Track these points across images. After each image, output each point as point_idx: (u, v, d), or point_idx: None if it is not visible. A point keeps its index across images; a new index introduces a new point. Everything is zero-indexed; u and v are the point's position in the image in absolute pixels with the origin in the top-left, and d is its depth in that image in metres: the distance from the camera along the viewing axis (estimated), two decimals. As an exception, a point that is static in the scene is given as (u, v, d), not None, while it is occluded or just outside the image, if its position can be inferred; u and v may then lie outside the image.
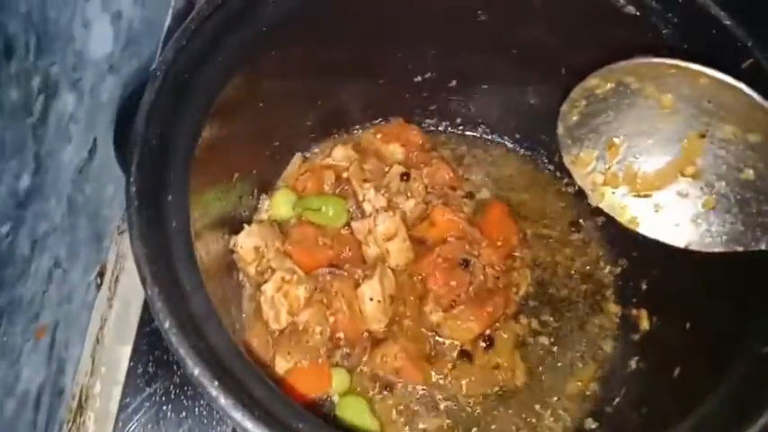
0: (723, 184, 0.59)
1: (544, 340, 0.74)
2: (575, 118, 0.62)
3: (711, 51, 0.57)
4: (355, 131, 0.82)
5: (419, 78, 0.75)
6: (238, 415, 0.47)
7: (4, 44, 0.64)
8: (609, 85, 0.59)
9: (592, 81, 0.60)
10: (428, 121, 0.81)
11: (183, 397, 0.74)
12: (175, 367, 0.75)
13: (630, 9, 0.62)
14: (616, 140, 0.62)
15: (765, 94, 0.53)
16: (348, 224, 0.77)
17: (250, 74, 0.64)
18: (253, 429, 0.47)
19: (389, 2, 0.66)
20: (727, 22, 0.58)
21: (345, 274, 0.74)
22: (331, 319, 0.71)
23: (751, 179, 0.58)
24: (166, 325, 0.49)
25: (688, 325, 0.65)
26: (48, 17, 0.70)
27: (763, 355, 0.53)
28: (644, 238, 0.63)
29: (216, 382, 0.47)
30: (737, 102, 0.55)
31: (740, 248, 0.58)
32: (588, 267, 0.77)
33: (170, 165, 0.57)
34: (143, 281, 0.51)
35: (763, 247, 0.57)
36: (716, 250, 0.59)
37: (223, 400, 0.47)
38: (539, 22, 0.66)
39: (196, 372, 0.48)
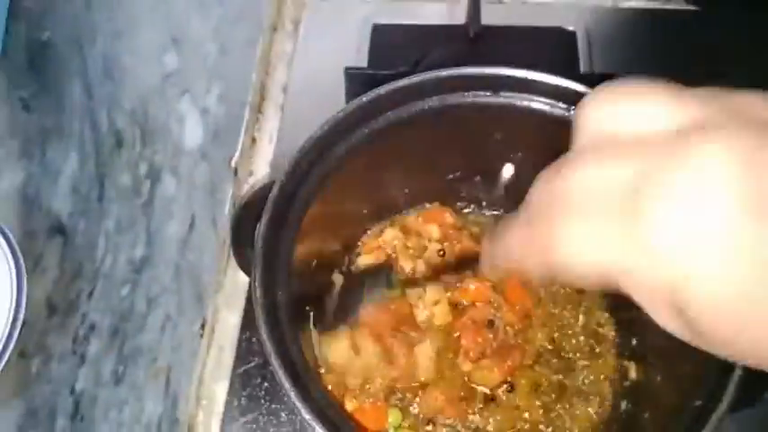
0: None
1: (555, 383, 0.79)
2: None
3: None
4: (400, 216, 0.87)
5: (451, 176, 0.82)
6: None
7: (116, 137, 0.74)
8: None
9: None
10: (459, 204, 0.86)
11: (270, 425, 0.82)
12: (263, 401, 0.83)
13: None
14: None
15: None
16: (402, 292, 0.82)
17: (335, 183, 0.71)
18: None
19: (432, 134, 0.74)
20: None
21: (404, 335, 0.79)
22: (392, 373, 0.77)
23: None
24: (287, 385, 0.59)
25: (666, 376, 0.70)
26: (148, 113, 0.78)
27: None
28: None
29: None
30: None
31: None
32: (592, 326, 0.81)
33: (278, 266, 0.66)
34: (268, 355, 0.60)
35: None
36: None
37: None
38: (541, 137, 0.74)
39: (308, 417, 0.58)
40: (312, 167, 0.69)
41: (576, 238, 0.39)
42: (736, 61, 1.00)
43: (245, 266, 0.69)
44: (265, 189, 0.67)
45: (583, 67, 1.06)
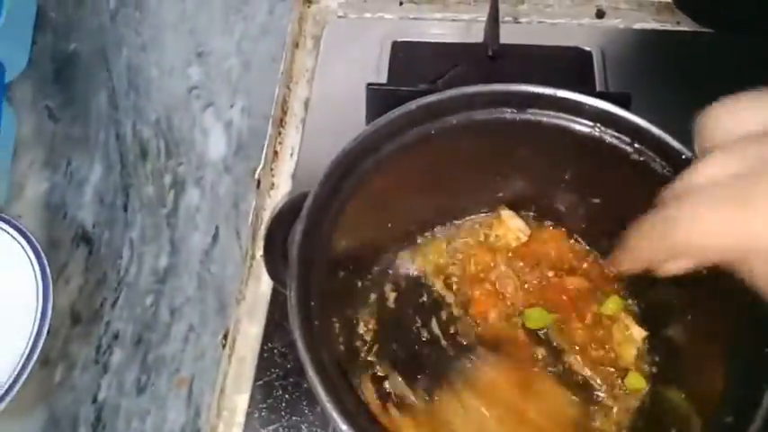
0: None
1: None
2: None
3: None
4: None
5: (476, 191, 0.82)
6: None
7: (140, 148, 0.74)
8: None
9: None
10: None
11: (292, 429, 0.79)
12: (283, 413, 0.80)
13: (635, 157, 0.68)
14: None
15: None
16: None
17: (364, 196, 0.70)
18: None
19: (459, 150, 0.73)
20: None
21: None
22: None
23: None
24: (323, 396, 0.56)
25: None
26: (173, 125, 0.78)
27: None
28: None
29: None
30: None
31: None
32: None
33: (312, 277, 0.62)
34: (304, 364, 0.57)
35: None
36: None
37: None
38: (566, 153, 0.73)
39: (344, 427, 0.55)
40: (343, 180, 0.68)
41: (709, 223, 0.43)
42: (746, 84, 0.99)
43: (276, 275, 0.68)
44: (297, 199, 0.66)
45: (598, 86, 1.05)
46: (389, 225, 0.79)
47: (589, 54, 1.08)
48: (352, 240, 0.72)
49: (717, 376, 0.62)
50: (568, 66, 1.08)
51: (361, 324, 0.77)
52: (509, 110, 0.70)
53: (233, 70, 0.93)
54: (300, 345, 0.58)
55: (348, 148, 0.66)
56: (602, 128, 0.69)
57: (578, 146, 0.70)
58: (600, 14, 1.15)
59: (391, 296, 0.79)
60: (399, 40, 1.10)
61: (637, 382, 0.72)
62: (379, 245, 0.80)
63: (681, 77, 1.03)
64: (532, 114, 0.71)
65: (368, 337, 0.76)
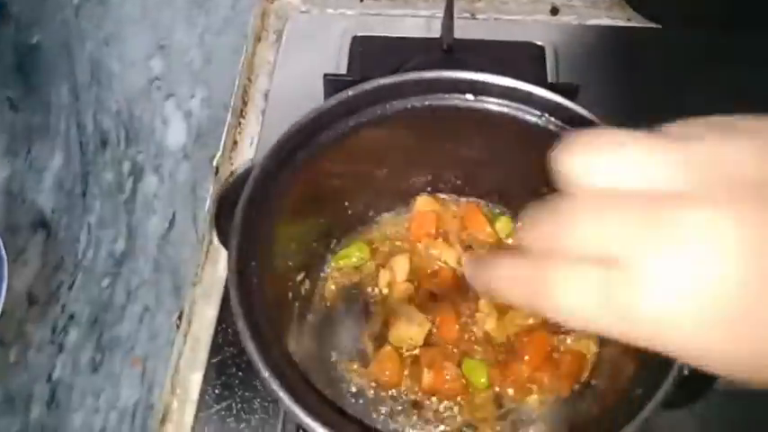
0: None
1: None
2: None
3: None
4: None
5: (428, 175, 0.83)
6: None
7: (101, 137, 0.74)
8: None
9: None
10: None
11: (243, 412, 0.80)
12: (237, 390, 0.81)
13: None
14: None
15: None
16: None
17: (315, 171, 0.70)
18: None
19: (411, 133, 0.74)
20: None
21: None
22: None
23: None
24: (260, 367, 0.55)
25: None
26: (133, 115, 0.79)
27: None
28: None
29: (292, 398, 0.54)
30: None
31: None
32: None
33: (254, 237, 0.63)
34: (236, 316, 0.57)
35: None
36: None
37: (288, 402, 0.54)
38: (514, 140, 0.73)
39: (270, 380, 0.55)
40: (294, 153, 0.68)
41: (571, 290, 0.35)
42: (692, 76, 1.01)
43: (225, 241, 0.68)
44: (249, 172, 0.66)
45: (550, 79, 1.06)
46: (345, 203, 0.80)
47: (542, 49, 1.10)
48: (304, 215, 0.74)
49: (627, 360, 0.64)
50: (522, 60, 1.10)
51: (298, 283, 0.77)
52: (461, 96, 0.71)
53: (194, 62, 0.93)
54: (234, 297, 0.58)
55: (300, 122, 0.67)
56: (518, 105, 0.69)
57: (527, 133, 0.70)
58: (554, 11, 1.17)
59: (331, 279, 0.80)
60: (359, 34, 1.11)
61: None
62: (320, 228, 0.81)
63: (630, 71, 1.05)
64: (483, 102, 0.71)
65: (303, 293, 0.78)
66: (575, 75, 1.04)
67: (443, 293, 0.77)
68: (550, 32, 1.13)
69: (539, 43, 1.10)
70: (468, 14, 1.15)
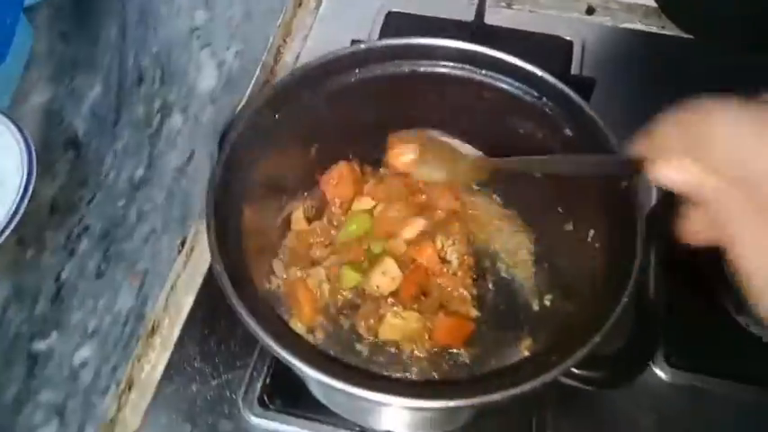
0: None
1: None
2: None
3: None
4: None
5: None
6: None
7: (138, 74, 0.80)
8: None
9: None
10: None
11: (224, 337, 0.88)
12: (222, 318, 0.88)
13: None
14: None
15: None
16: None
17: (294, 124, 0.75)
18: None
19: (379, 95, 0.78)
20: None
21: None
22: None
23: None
24: (231, 295, 0.60)
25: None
26: (171, 58, 0.84)
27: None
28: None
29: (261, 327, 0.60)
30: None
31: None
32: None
33: (237, 167, 0.69)
34: (212, 253, 0.62)
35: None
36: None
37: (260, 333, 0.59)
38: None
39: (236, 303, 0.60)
40: (283, 103, 0.74)
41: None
42: (716, 93, 1.03)
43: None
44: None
45: (573, 71, 1.11)
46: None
47: (570, 43, 1.14)
48: (281, 159, 0.78)
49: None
50: (547, 51, 1.15)
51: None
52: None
53: (235, 17, 0.99)
54: (209, 220, 0.64)
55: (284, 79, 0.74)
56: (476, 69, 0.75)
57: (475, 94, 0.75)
58: (590, 11, 1.21)
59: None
60: (394, 10, 1.15)
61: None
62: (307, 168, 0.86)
63: (655, 76, 1.09)
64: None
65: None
66: (598, 72, 1.09)
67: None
68: (582, 30, 1.17)
69: (567, 38, 1.15)
70: (505, 4, 1.20)
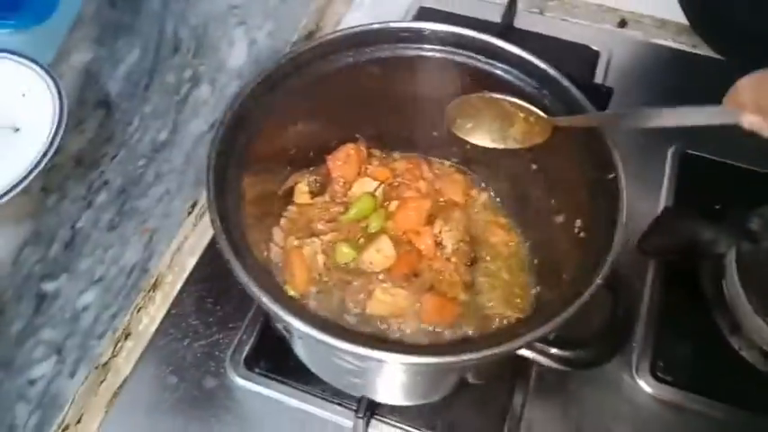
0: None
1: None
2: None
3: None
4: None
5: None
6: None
7: (174, 44, 0.83)
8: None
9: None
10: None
11: (220, 296, 0.91)
12: (222, 279, 0.91)
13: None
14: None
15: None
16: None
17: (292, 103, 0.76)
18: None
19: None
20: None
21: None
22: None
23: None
24: (227, 254, 0.63)
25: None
26: (207, 32, 0.87)
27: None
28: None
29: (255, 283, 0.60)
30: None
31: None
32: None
33: (237, 139, 0.70)
34: (212, 222, 0.66)
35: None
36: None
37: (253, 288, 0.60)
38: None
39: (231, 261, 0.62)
40: (275, 86, 0.75)
41: None
42: None
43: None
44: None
45: (597, 80, 1.11)
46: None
47: (597, 53, 1.15)
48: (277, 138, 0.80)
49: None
50: (571, 58, 1.16)
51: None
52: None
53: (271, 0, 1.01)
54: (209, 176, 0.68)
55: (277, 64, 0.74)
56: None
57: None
58: (622, 24, 1.21)
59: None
60: (427, 5, 1.17)
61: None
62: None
63: (676, 94, 1.08)
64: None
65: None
66: (621, 83, 1.09)
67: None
68: (611, 41, 1.17)
69: (594, 48, 1.16)
70: (537, 10, 1.22)
